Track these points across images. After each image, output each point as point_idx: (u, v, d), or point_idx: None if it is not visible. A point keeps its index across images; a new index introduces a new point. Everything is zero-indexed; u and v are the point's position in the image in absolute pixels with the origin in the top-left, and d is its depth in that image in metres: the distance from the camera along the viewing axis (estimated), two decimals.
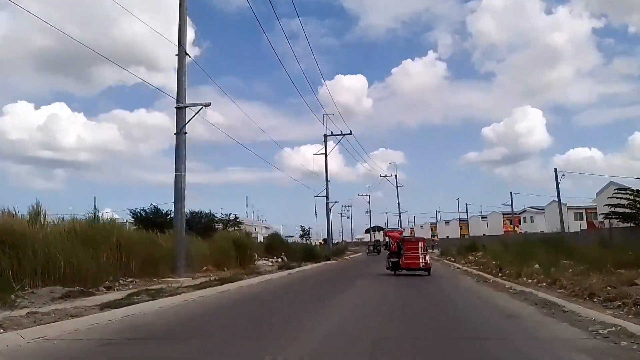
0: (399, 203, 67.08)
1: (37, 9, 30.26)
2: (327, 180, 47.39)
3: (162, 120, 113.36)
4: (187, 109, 16.48)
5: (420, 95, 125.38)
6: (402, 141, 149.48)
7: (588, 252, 17.43)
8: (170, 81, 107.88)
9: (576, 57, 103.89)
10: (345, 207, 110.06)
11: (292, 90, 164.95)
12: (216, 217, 43.39)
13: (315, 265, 28.76)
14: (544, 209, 54.75)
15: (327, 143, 47.66)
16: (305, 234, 42.49)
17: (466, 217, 72.49)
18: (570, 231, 40.15)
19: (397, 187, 67.34)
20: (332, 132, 47.48)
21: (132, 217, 37.01)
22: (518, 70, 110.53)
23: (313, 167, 59.03)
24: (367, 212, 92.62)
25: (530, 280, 12.13)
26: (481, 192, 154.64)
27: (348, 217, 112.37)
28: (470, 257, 29.50)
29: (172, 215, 40.25)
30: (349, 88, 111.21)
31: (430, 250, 50.91)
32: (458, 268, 21.30)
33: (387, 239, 28.20)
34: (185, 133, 16.45)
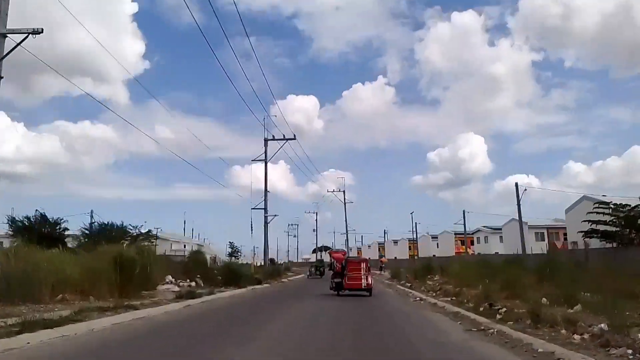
0: (346, 220, 61.95)
1: None
2: (266, 190, 41.38)
3: (108, 133, 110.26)
4: (6, 38, 10.12)
5: (369, 118, 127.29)
6: (351, 163, 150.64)
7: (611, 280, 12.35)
8: (117, 93, 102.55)
9: (516, 87, 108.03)
10: (292, 225, 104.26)
11: (244, 108, 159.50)
12: (129, 230, 36.38)
13: (237, 291, 22.40)
14: (501, 229, 51.04)
15: (270, 149, 42.02)
16: (235, 251, 35.78)
17: (415, 237, 68.25)
18: (533, 252, 36.06)
19: (344, 203, 62.21)
20: (273, 136, 41.88)
21: (10, 226, 29.42)
22: (462, 98, 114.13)
23: (252, 178, 52.82)
24: (313, 230, 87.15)
25: (578, 335, 6.56)
26: (427, 215, 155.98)
27: (295, 236, 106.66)
28: (429, 283, 24.24)
29: (66, 224, 32.72)
30: (300, 108, 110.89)
31: (378, 272, 45.42)
32: (420, 299, 15.66)
33: (331, 259, 24.04)
34: (1, 77, 10.01)
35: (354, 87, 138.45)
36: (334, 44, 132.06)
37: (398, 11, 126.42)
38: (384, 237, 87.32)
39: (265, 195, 41.42)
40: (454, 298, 13.88)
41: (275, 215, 42.22)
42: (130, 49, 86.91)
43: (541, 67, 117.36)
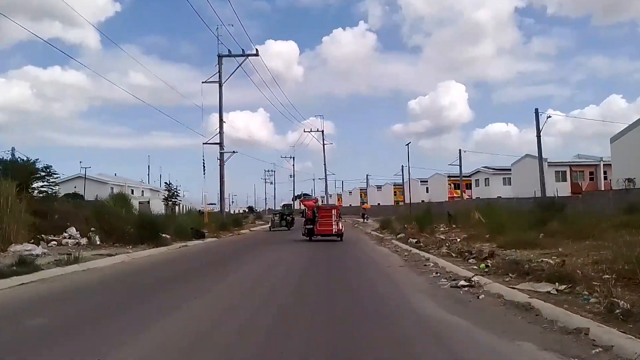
0: (325, 162, 53.82)
1: None
2: (221, 120, 32.54)
3: (80, 79, 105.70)
4: None
5: (350, 65, 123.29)
6: (331, 111, 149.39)
7: None
8: (88, 37, 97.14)
9: (498, 34, 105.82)
10: (268, 172, 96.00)
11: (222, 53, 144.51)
12: (39, 168, 27.33)
13: (146, 253, 14.22)
14: (508, 169, 43.15)
15: (231, 69, 32.86)
16: (173, 194, 26.68)
17: (403, 179, 60.78)
18: (559, 194, 28.42)
19: (323, 145, 53.89)
20: (230, 51, 32.62)
21: None
22: (443, 45, 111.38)
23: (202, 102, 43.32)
24: (290, 176, 79.09)
25: None
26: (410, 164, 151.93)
27: (271, 183, 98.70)
28: (441, 236, 16.38)
29: None
30: (279, 54, 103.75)
31: (361, 221, 37.83)
32: (467, 282, 7.17)
33: (303, 207, 23.27)
34: None
35: (334, 32, 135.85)
36: None
37: None
38: (366, 182, 79.13)
39: (221, 127, 32.57)
40: (570, 286, 5.62)
41: (234, 152, 33.30)
42: None
43: (524, 14, 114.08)
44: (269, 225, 31.77)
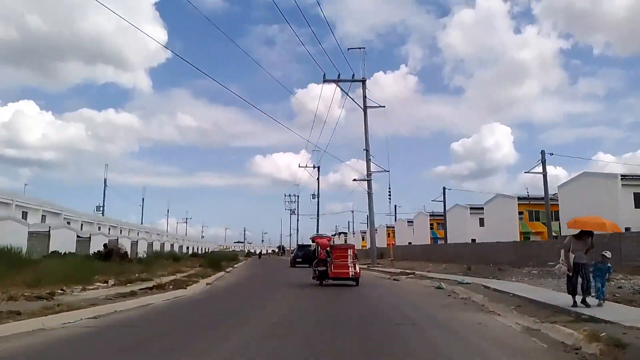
0: (366, 135, 25.47)
1: None
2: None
3: (132, 121, 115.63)
4: None
5: (391, 107, 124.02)
6: (373, 152, 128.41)
7: None
8: (139, 81, 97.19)
9: (543, 75, 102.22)
10: (290, 196, 71.67)
11: (266, 96, 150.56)
12: None
13: None
14: None
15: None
16: None
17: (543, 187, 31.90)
18: None
19: (364, 106, 26.37)
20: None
21: None
22: (486, 86, 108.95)
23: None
24: (312, 196, 54.10)
25: None
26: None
27: (294, 212, 73.02)
28: None
29: None
30: (321, 97, 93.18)
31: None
32: None
33: (316, 246, 19.38)
34: None
35: (376, 75, 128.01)
36: (357, 30, 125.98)
37: None
38: (443, 196, 47.77)
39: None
40: None
41: None
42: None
43: (569, 55, 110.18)
44: None
